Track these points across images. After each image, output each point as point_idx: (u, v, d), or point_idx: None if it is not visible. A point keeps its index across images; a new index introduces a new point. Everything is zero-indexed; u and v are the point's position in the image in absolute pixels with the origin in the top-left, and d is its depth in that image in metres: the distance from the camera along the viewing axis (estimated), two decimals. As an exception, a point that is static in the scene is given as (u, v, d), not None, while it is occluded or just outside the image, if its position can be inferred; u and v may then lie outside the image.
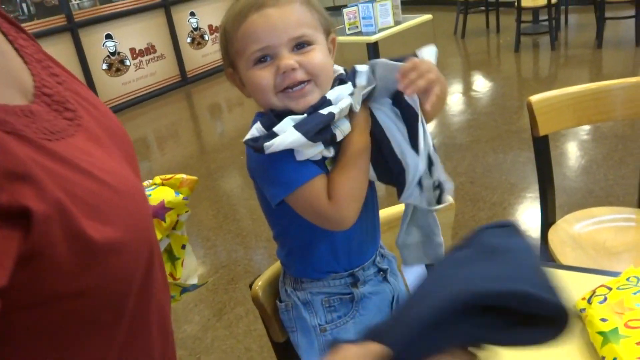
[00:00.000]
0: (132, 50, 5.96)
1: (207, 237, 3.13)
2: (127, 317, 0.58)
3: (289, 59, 0.88)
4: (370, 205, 1.02)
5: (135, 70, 5.99)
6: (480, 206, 2.96)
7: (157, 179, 1.03)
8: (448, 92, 0.96)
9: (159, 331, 0.67)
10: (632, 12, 5.16)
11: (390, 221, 1.19)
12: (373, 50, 3.93)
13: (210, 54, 6.72)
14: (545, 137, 1.65)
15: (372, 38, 3.78)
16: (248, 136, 0.89)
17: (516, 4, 5.53)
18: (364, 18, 3.89)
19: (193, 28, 6.55)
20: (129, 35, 5.91)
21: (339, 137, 0.90)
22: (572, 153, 3.44)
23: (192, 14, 6.52)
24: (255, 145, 0.85)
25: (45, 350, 0.51)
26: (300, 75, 0.88)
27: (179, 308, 2.54)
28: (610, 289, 0.93)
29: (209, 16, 6.67)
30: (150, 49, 6.12)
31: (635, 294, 0.90)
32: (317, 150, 0.88)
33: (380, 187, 1.04)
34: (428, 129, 0.89)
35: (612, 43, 5.48)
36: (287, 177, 0.89)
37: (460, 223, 2.79)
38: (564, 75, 5.07)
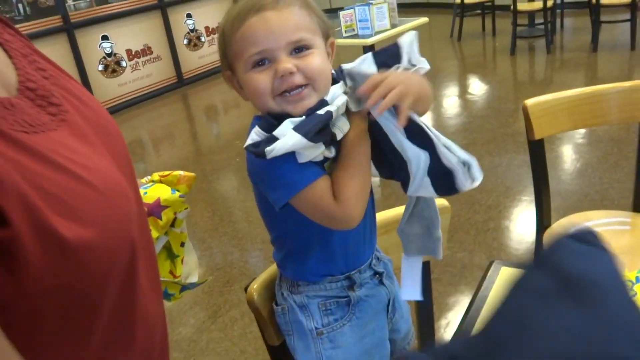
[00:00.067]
0: (129, 51, 5.95)
1: (203, 239, 3.12)
2: (105, 318, 0.57)
3: (287, 63, 0.87)
4: (368, 208, 1.02)
5: (132, 72, 5.99)
6: (475, 209, 2.96)
7: (155, 176, 1.02)
8: (430, 95, 0.94)
9: (145, 334, 0.66)
10: (628, 16, 5.18)
11: (387, 224, 1.19)
12: (369, 53, 3.94)
13: (206, 55, 6.72)
14: (541, 140, 1.66)
15: (369, 41, 3.79)
16: (248, 141, 0.88)
17: (512, 7, 5.56)
18: (360, 21, 3.90)
19: (189, 29, 6.54)
20: (125, 37, 5.90)
21: (339, 136, 0.89)
22: (567, 156, 3.46)
23: (189, 16, 6.51)
24: (257, 151, 0.85)
25: (17, 349, 0.50)
26: (298, 79, 0.88)
27: (174, 310, 2.53)
28: (605, 293, 0.93)
29: (206, 18, 6.67)
30: (146, 51, 6.11)
31: (630, 298, 0.90)
32: (318, 151, 0.88)
33: (376, 191, 1.04)
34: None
35: (608, 46, 5.51)
36: (290, 179, 0.88)
37: (455, 226, 2.79)
38: (559, 79, 5.08)
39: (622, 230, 1.70)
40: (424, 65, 0.93)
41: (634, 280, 0.95)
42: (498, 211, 2.93)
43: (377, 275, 1.07)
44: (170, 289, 1.01)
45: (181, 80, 6.43)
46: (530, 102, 1.62)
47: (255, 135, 0.88)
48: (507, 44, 5.87)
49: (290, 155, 0.86)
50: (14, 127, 0.52)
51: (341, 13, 3.94)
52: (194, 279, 1.07)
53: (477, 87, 5.18)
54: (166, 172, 1.03)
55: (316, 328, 1.03)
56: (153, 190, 0.96)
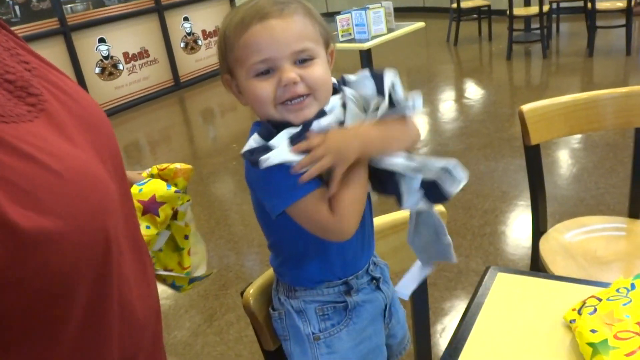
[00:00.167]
0: (126, 54, 5.94)
1: (199, 242, 3.11)
2: (78, 313, 0.56)
3: (291, 72, 0.87)
4: (366, 214, 1.02)
5: (129, 75, 5.98)
6: (472, 213, 2.97)
7: (154, 169, 1.03)
8: (404, 139, 0.93)
9: (128, 334, 0.64)
10: (623, 21, 5.21)
11: (383, 230, 1.19)
12: (366, 58, 3.95)
13: (203, 59, 6.72)
14: (537, 145, 1.66)
15: (365, 45, 3.79)
16: (246, 148, 0.89)
17: (508, 12, 5.58)
18: (357, 25, 3.91)
19: (186, 33, 6.55)
20: (122, 40, 5.90)
21: None
22: (563, 161, 3.47)
23: (186, 19, 6.52)
24: (251, 159, 0.86)
25: None
26: (301, 89, 0.88)
27: (170, 313, 2.53)
28: (600, 300, 0.93)
29: (203, 21, 6.67)
30: (143, 54, 6.11)
31: (624, 305, 0.90)
32: None
33: (373, 195, 1.05)
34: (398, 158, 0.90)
35: (603, 52, 5.53)
36: (286, 189, 0.88)
37: (452, 230, 2.78)
38: (555, 83, 5.10)
39: (617, 236, 1.70)
40: (414, 103, 0.91)
41: (629, 287, 0.95)
42: (494, 216, 2.94)
43: (374, 281, 1.08)
44: (177, 281, 1.01)
45: (178, 83, 6.43)
46: (526, 107, 1.63)
47: (253, 142, 0.89)
48: (503, 49, 5.89)
49: (288, 165, 0.86)
50: None
51: (338, 17, 3.94)
52: (202, 269, 1.07)
53: (474, 92, 5.19)
54: (164, 165, 1.03)
55: (313, 333, 1.03)
56: (148, 187, 0.96)
